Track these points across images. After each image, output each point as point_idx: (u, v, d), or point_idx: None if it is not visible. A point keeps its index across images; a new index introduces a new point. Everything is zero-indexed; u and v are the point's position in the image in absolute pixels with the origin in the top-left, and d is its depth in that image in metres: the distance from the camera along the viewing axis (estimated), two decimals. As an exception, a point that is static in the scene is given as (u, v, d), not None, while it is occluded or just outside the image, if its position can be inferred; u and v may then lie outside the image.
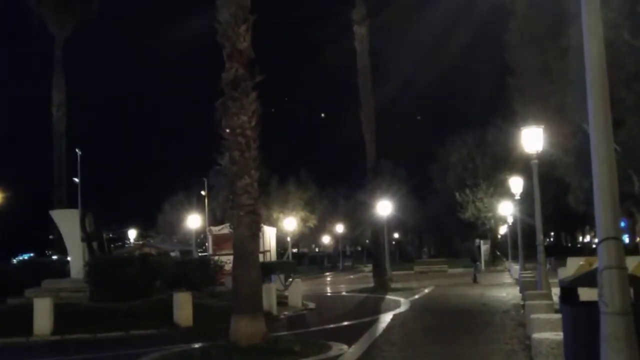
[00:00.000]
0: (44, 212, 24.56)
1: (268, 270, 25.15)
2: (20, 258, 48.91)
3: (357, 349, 11.17)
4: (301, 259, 66.41)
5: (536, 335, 6.52)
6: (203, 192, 48.24)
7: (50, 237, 35.97)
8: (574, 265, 14.73)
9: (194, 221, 43.97)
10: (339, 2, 33.76)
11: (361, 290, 27.61)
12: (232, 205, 11.66)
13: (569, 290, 5.40)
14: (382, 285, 27.82)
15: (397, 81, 63.02)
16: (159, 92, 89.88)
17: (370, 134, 29.16)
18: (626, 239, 45.89)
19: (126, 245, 49.66)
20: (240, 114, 11.56)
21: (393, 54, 66.50)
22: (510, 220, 40.81)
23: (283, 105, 64.49)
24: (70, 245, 20.60)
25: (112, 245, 32.56)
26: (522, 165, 28.03)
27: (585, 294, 5.37)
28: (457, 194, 54.71)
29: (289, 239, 44.09)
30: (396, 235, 74.62)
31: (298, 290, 21.21)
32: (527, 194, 25.80)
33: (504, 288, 26.00)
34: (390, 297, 23.52)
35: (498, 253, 55.88)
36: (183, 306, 15.67)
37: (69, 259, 21.10)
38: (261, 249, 23.56)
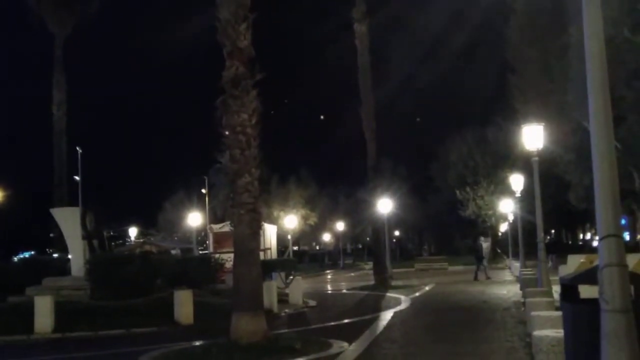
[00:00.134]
0: (45, 211, 24.57)
1: (269, 268, 25.15)
2: (21, 256, 48.99)
3: (357, 347, 11.18)
4: (302, 256, 66.44)
5: (537, 333, 6.52)
6: (203, 190, 48.29)
7: (51, 235, 35.99)
8: (574, 263, 14.74)
9: (194, 219, 44.01)
10: (339, 1, 33.75)
11: (362, 288, 27.63)
12: (233, 204, 11.66)
13: (569, 288, 5.40)
14: (382, 282, 27.82)
15: (398, 79, 62.98)
16: (159, 91, 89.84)
17: (371, 132, 29.14)
18: (627, 236, 45.93)
19: (127, 244, 49.59)
20: (241, 112, 11.56)
21: (393, 52, 66.42)
22: (510, 217, 40.81)
23: (284, 103, 64.51)
24: (71, 243, 20.61)
25: (112, 244, 32.55)
26: (523, 162, 28.10)
27: (586, 291, 5.37)
28: (457, 192, 54.71)
29: (289, 236, 44.13)
30: (397, 233, 74.65)
31: (299, 288, 21.22)
32: (527, 192, 25.82)
33: (505, 285, 26.01)
34: (390, 294, 23.53)
35: (499, 251, 55.85)
36: (184, 304, 15.68)
37: (69, 257, 21.11)
38: (262, 247, 23.54)
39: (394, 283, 28.66)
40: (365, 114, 29.17)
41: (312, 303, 20.75)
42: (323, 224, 64.36)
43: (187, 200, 55.06)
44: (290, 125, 73.36)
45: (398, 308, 18.31)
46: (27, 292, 17.96)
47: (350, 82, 30.67)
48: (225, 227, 26.73)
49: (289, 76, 76.42)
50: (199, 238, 47.86)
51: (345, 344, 11.29)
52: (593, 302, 4.56)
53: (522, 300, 15.63)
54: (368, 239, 63.14)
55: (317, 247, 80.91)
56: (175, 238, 56.83)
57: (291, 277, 26.64)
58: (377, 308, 18.73)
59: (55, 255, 31.15)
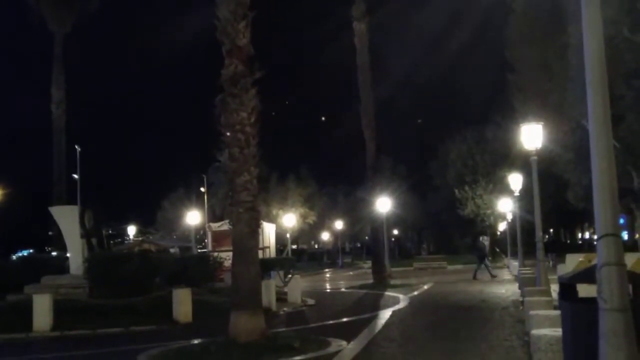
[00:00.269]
0: (44, 209, 24.57)
1: (267, 266, 25.17)
2: (20, 254, 48.95)
3: (356, 345, 11.18)
4: (300, 255, 66.46)
5: (535, 332, 6.52)
6: (202, 189, 48.28)
7: (50, 233, 36.06)
8: (573, 262, 14.77)
9: (193, 218, 44.00)
10: (338, 0, 33.69)
11: (360, 287, 27.64)
12: (232, 202, 11.66)
13: (568, 287, 5.41)
14: (381, 281, 27.84)
15: (397, 78, 63.02)
16: (159, 89, 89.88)
17: (370, 130, 29.15)
18: (625, 235, 45.94)
19: (125, 242, 49.61)
20: (240, 110, 11.56)
21: (392, 51, 66.47)
22: (509, 216, 40.83)
23: (283, 102, 64.47)
24: (69, 241, 20.61)
25: (111, 242, 32.58)
26: (522, 161, 28.10)
27: (584, 290, 5.38)
28: (456, 191, 54.73)
29: (288, 235, 44.10)
30: (395, 232, 74.64)
31: (297, 286, 21.22)
32: (526, 191, 25.83)
33: (503, 284, 26.02)
34: (389, 293, 23.53)
35: (497, 250, 55.90)
36: (182, 302, 15.68)
37: (68, 255, 21.11)
38: (260, 246, 23.54)
39: (392, 282, 28.67)
40: (365, 113, 29.18)
41: (311, 302, 20.76)
42: (322, 223, 64.37)
43: (186, 199, 55.08)
44: (289, 123, 73.35)
45: (397, 307, 18.31)
46: (25, 291, 17.95)
47: (350, 81, 30.70)
48: (224, 225, 26.79)
49: (289, 75, 76.40)
50: (198, 236, 47.90)
51: (344, 343, 11.30)
52: (591, 301, 4.57)
53: (521, 299, 15.63)
54: (367, 237, 63.22)
55: (316, 246, 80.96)
56: (174, 237, 56.85)
57: (290, 276, 26.67)
58: (375, 307, 18.73)
59: (54, 253, 31.12)
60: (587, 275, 4.97)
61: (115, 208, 54.70)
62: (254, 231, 11.77)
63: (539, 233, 16.01)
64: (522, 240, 27.12)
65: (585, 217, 54.27)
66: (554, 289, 14.43)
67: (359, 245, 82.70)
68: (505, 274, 33.13)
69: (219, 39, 11.77)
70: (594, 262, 4.61)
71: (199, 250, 40.96)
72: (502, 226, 54.38)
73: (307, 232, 64.79)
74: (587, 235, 71.65)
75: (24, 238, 62.67)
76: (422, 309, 18.12)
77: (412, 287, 26.04)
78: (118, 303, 15.88)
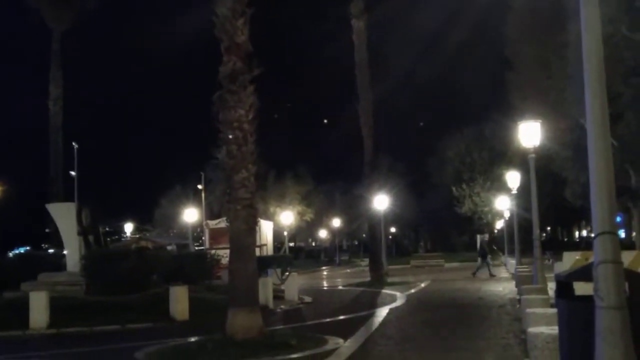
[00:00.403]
0: (41, 206, 24.54)
1: (265, 264, 25.18)
2: (17, 252, 48.87)
3: (353, 343, 11.18)
4: (298, 253, 66.48)
5: (532, 330, 6.52)
6: (200, 186, 48.26)
7: (47, 230, 36.00)
8: (570, 260, 14.78)
9: (190, 215, 43.98)
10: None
11: (357, 285, 27.65)
12: (229, 199, 11.64)
13: (564, 285, 5.40)
14: (378, 279, 27.86)
15: (395, 76, 62.93)
16: (156, 86, 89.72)
17: (368, 128, 29.14)
18: (622, 233, 46.01)
19: (122, 239, 49.59)
20: (238, 107, 11.54)
21: (391, 49, 66.44)
22: (507, 214, 40.87)
23: (281, 100, 64.45)
24: (66, 238, 20.59)
25: (108, 239, 32.53)
26: (519, 159, 28.15)
27: (581, 288, 5.37)
28: (454, 189, 54.81)
29: (285, 233, 44.18)
30: (393, 230, 74.71)
31: (294, 284, 21.22)
32: (524, 189, 25.82)
33: (500, 282, 26.05)
34: (386, 291, 23.55)
35: (494, 247, 55.98)
36: (179, 300, 15.67)
37: (65, 252, 21.10)
38: (258, 243, 23.54)
39: (389, 280, 28.68)
40: (363, 110, 29.17)
41: (308, 299, 20.76)
42: (319, 221, 64.42)
43: (183, 196, 55.05)
44: (287, 121, 73.30)
45: (394, 305, 18.32)
46: (22, 288, 17.93)
47: (348, 79, 30.68)
48: (222, 223, 26.69)
49: (287, 72, 76.36)
50: (195, 234, 47.84)
51: (341, 340, 11.30)
52: (588, 299, 4.56)
53: (518, 297, 15.66)
54: (364, 235, 63.24)
55: (313, 244, 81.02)
56: (172, 234, 56.82)
57: (287, 274, 26.69)
58: (372, 304, 18.74)
59: (51, 250, 31.14)
60: (584, 273, 4.97)
61: (113, 205, 54.74)
62: (252, 228, 11.76)
63: (536, 231, 16.01)
64: (519, 238, 27.16)
65: (582, 215, 54.37)
66: (551, 287, 14.45)
67: (356, 243, 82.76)
68: (503, 272, 33.15)
69: (217, 36, 11.75)
70: (591, 260, 4.61)
71: (197, 248, 40.97)
72: (499, 224, 54.47)
73: (305, 230, 64.87)
74: (584, 233, 71.80)
75: (21, 235, 62.61)
76: (419, 306, 18.13)
77: (409, 285, 26.05)
78: (115, 300, 15.86)
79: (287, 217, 46.84)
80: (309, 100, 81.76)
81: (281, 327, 14.04)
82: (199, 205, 47.23)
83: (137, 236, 44.90)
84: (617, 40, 16.20)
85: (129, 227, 56.11)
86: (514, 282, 21.96)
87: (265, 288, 17.53)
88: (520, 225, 28.41)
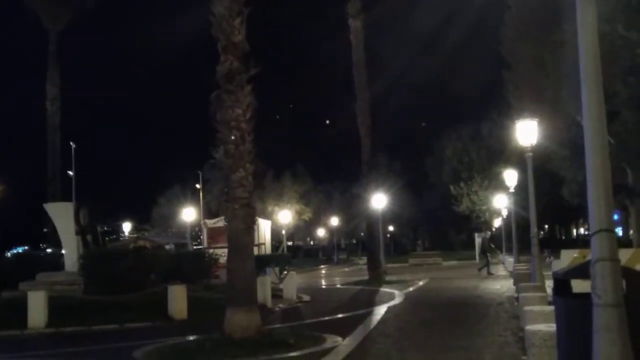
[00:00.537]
0: (39, 206, 24.52)
1: (263, 263, 25.17)
2: (15, 251, 48.82)
3: (351, 341, 11.20)
4: (296, 252, 66.53)
5: (529, 327, 6.54)
6: (198, 186, 48.26)
7: (45, 230, 35.94)
8: (568, 258, 14.80)
9: (188, 214, 43.96)
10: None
11: (356, 283, 27.67)
12: (227, 199, 11.64)
13: (562, 282, 5.42)
14: (376, 278, 27.88)
15: (393, 75, 63.03)
16: (154, 86, 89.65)
17: (366, 127, 29.16)
18: (620, 231, 46.12)
19: (121, 239, 49.51)
20: (235, 107, 11.54)
21: (389, 49, 66.45)
22: (504, 213, 40.91)
23: (280, 99, 64.44)
24: (64, 238, 20.58)
25: (106, 239, 32.50)
26: (517, 158, 28.18)
27: (579, 286, 5.39)
28: (451, 187, 54.84)
29: (284, 232, 44.15)
30: (391, 229, 74.77)
31: (293, 283, 21.23)
32: (521, 187, 25.88)
33: (498, 280, 26.09)
34: (384, 289, 23.57)
35: (492, 245, 56.02)
36: (177, 299, 15.67)
37: (63, 252, 21.09)
38: (256, 242, 23.58)
39: (388, 278, 28.70)
40: (360, 110, 29.19)
41: (306, 298, 20.78)
42: (317, 219, 64.42)
43: (181, 196, 55.01)
44: (286, 120, 73.33)
45: (392, 303, 18.34)
46: (20, 287, 17.93)
47: (346, 78, 30.67)
48: (220, 222, 26.73)
49: (285, 71, 76.31)
50: (193, 233, 47.82)
51: (339, 339, 11.31)
52: (585, 297, 4.58)
53: (516, 295, 15.68)
54: (362, 234, 63.28)
55: (312, 242, 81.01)
56: (170, 233, 56.73)
57: (285, 272, 26.65)
58: (371, 303, 18.76)
59: (49, 250, 31.09)
60: (582, 270, 4.99)
61: (111, 205, 54.62)
62: (250, 227, 11.77)
63: (534, 229, 16.05)
64: (517, 236, 27.19)
65: (580, 213, 54.49)
66: (549, 284, 14.48)
67: (354, 241, 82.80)
68: (501, 270, 33.21)
69: (214, 35, 11.75)
70: (589, 257, 4.62)
71: (195, 247, 40.95)
72: (497, 222, 54.52)
73: (303, 229, 64.85)
74: (581, 231, 71.91)
75: (19, 235, 62.51)
76: (418, 305, 18.15)
77: (407, 283, 26.08)
78: (113, 300, 15.86)
79: (285, 216, 46.78)
80: (307, 99, 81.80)
81: (279, 325, 14.06)
82: (197, 205, 47.21)
83: (135, 235, 44.79)
84: (613, 39, 16.21)
85: (127, 227, 55.98)
86: (512, 280, 22.00)
87: (264, 287, 17.54)
88: (518, 223, 28.42)
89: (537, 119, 15.85)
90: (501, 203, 39.37)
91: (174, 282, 16.81)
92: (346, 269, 45.63)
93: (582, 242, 48.37)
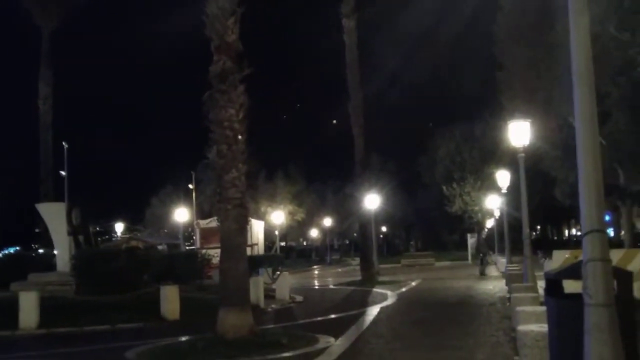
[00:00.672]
0: (30, 206, 24.41)
1: (256, 263, 25.17)
2: (6, 252, 48.59)
3: (344, 342, 11.20)
4: (289, 252, 66.47)
5: (521, 328, 6.56)
6: (191, 186, 48.12)
7: (37, 230, 35.79)
8: (559, 258, 14.86)
9: (181, 215, 43.87)
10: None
11: (348, 284, 27.68)
12: (220, 199, 11.62)
13: (554, 283, 5.44)
14: (369, 278, 27.90)
15: (386, 75, 63.08)
16: (147, 85, 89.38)
17: (359, 127, 29.18)
18: (611, 232, 46.31)
19: (113, 239, 49.39)
20: (228, 107, 11.52)
21: (382, 48, 66.46)
22: (497, 213, 41.00)
23: (272, 99, 64.40)
24: (56, 238, 20.51)
25: (98, 239, 32.42)
26: (509, 158, 28.19)
27: (571, 286, 5.41)
28: (444, 188, 54.91)
29: (276, 232, 44.12)
30: (384, 229, 74.83)
31: (285, 283, 21.22)
32: (513, 188, 25.92)
33: (491, 281, 26.16)
34: (377, 290, 23.60)
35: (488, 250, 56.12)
36: (170, 299, 15.63)
37: (55, 252, 21.01)
38: (249, 243, 23.50)
39: (380, 279, 28.73)
40: (354, 109, 29.21)
41: (299, 298, 20.77)
42: (310, 220, 64.40)
43: (174, 196, 54.88)
44: (278, 120, 73.28)
45: (384, 303, 18.36)
46: (12, 288, 17.86)
47: (339, 78, 30.69)
48: (212, 222, 26.65)
49: (279, 72, 76.26)
50: (186, 234, 47.72)
51: (332, 339, 11.31)
52: (577, 297, 4.60)
53: (508, 295, 15.73)
54: (355, 234, 63.29)
55: (305, 243, 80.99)
56: (162, 234, 56.61)
57: (278, 273, 26.67)
58: (363, 303, 18.78)
59: (41, 250, 30.96)
60: (573, 271, 5.01)
61: (103, 205, 54.47)
62: (242, 228, 11.76)
63: (526, 230, 16.10)
64: (509, 236, 27.27)
65: (572, 214, 54.60)
66: (541, 285, 14.52)
67: (347, 242, 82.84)
68: (493, 271, 33.30)
69: (207, 35, 11.73)
70: (580, 258, 4.64)
71: (187, 248, 40.87)
72: (489, 223, 54.65)
73: (296, 229, 64.81)
74: (573, 231, 72.16)
75: (11, 235, 62.19)
76: (410, 305, 18.17)
77: (400, 284, 26.11)
78: (105, 300, 15.81)
79: (278, 217, 46.80)
80: (300, 99, 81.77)
81: (272, 326, 14.05)
82: (189, 205, 47.11)
83: (128, 236, 44.71)
84: (605, 40, 16.27)
85: (119, 227, 55.84)
86: (504, 281, 22.06)
87: (257, 287, 17.53)
88: (510, 224, 28.49)
89: (530, 120, 15.90)
90: (493, 204, 39.45)
91: (167, 282, 16.78)
92: (339, 270, 45.65)
93: (574, 243, 48.56)
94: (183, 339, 11.95)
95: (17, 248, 55.60)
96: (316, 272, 45.90)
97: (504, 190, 26.50)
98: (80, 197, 24.25)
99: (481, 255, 32.57)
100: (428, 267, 43.33)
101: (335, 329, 12.48)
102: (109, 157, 75.45)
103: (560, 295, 5.33)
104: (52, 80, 33.49)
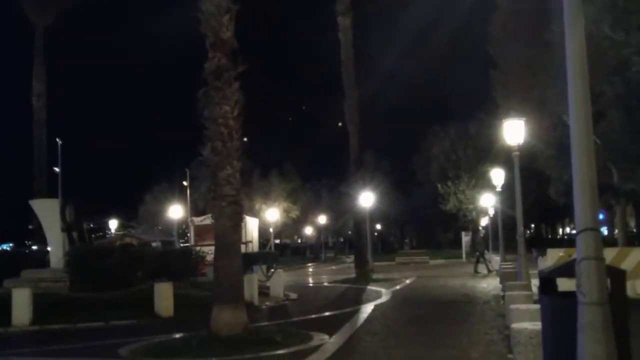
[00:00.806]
0: (24, 202, 24.33)
1: (250, 260, 25.14)
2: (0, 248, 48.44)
3: (338, 339, 11.21)
4: (283, 249, 66.46)
5: (515, 326, 6.57)
6: (185, 183, 48.08)
7: (30, 227, 35.68)
8: (553, 256, 14.92)
9: (175, 212, 43.81)
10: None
11: (343, 281, 27.69)
12: (214, 196, 11.60)
13: (547, 281, 5.45)
14: (363, 276, 27.92)
15: (382, 73, 63.16)
16: (142, 82, 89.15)
17: (354, 125, 29.19)
18: (605, 231, 46.50)
19: (107, 236, 49.25)
20: (223, 104, 11.51)
21: (377, 47, 66.55)
22: (491, 212, 41.09)
23: (267, 96, 64.38)
24: (50, 235, 20.42)
25: (92, 236, 32.32)
26: (504, 157, 28.26)
27: (564, 284, 5.42)
28: (439, 186, 54.99)
29: (271, 229, 44.05)
30: (378, 227, 74.93)
31: (280, 280, 21.22)
32: (508, 186, 26.00)
33: (485, 279, 26.23)
34: (371, 287, 23.62)
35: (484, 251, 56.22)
36: (164, 296, 15.61)
37: (48, 249, 20.93)
38: (243, 240, 23.53)
39: (375, 276, 28.76)
40: (349, 108, 29.21)
41: (293, 296, 20.77)
42: (305, 217, 64.40)
43: (168, 193, 54.81)
44: (273, 117, 73.21)
45: (379, 301, 18.38)
46: (5, 285, 17.78)
47: (334, 76, 30.68)
48: (207, 219, 26.59)
49: (274, 69, 76.16)
50: (180, 231, 47.66)
51: (326, 337, 11.32)
52: (571, 295, 4.61)
53: (502, 293, 15.77)
54: (350, 232, 63.31)
55: (299, 241, 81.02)
56: (157, 231, 56.55)
57: (272, 270, 26.65)
58: (358, 301, 18.80)
59: (34, 247, 30.86)
60: (567, 269, 5.02)
61: (97, 201, 54.37)
62: (237, 225, 11.74)
63: (520, 228, 16.14)
64: (503, 235, 27.34)
65: (566, 213, 54.84)
66: (535, 283, 14.56)
67: (342, 239, 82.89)
68: (483, 268, 33.33)
69: (202, 32, 11.70)
70: (574, 256, 4.65)
71: (182, 245, 40.80)
72: (484, 221, 54.78)
73: (290, 227, 64.79)
74: (567, 230, 72.42)
75: (4, 232, 61.99)
76: (404, 303, 18.20)
77: (394, 282, 26.16)
78: (99, 297, 15.76)
79: (273, 214, 46.70)
80: (296, 96, 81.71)
81: (266, 323, 14.05)
82: (184, 202, 47.05)
83: (122, 233, 44.52)
84: (599, 40, 16.31)
85: (113, 224, 55.67)
86: (498, 279, 22.12)
87: (251, 285, 17.51)
88: (505, 222, 28.56)
89: (524, 119, 15.94)
90: (488, 202, 39.51)
91: (161, 279, 16.74)
92: (333, 267, 45.66)
93: (568, 241, 48.77)
94: (177, 336, 11.94)
95: (11, 245, 55.46)
96: (310, 269, 45.90)
97: (499, 189, 26.57)
98: (74, 193, 24.22)
99: (477, 253, 32.61)
100: (422, 265, 43.40)
101: (330, 327, 12.48)
102: (103, 154, 75.37)
103: (554, 294, 5.34)
104: (46, 78, 33.39)
